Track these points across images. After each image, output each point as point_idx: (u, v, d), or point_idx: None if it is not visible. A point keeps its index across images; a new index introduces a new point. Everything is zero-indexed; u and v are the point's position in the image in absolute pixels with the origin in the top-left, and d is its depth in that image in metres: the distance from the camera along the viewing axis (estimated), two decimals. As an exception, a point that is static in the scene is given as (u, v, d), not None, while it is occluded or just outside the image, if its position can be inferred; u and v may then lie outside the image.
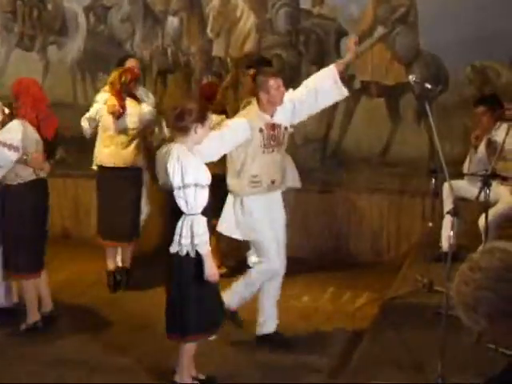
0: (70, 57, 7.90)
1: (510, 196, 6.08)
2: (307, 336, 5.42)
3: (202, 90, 6.72)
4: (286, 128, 5.09)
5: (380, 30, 7.00)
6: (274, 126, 5.00)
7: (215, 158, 4.86)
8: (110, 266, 6.35)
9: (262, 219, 5.05)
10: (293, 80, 7.17)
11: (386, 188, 7.09)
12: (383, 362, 4.69)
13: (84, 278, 6.59)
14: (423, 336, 4.96)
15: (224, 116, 5.98)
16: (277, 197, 5.21)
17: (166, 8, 7.56)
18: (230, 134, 4.89)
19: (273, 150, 5.02)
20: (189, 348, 4.47)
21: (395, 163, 7.07)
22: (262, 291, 5.18)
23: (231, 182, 5.08)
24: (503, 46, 6.54)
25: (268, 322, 5.22)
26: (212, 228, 4.54)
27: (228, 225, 5.13)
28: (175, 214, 4.21)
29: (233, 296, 5.16)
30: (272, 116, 5.01)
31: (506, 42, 6.52)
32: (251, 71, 6.43)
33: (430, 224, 5.94)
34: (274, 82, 4.92)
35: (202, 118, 4.26)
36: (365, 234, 7.28)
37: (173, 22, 7.56)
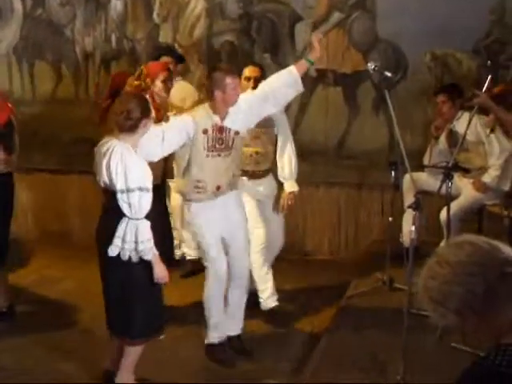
0: (4, 43, 7.74)
1: (472, 189, 6.17)
2: (263, 339, 5.42)
3: (112, 80, 6.56)
4: (236, 132, 4.96)
5: (336, 16, 7.02)
6: (221, 129, 4.88)
7: (156, 158, 4.78)
8: None
9: (204, 223, 4.99)
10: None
11: (343, 181, 7.13)
12: (343, 364, 4.72)
13: (23, 280, 6.48)
14: (384, 336, 5.01)
15: None
16: (230, 199, 5.12)
17: (110, -10, 7.48)
18: (172, 133, 4.80)
19: (219, 155, 4.91)
20: (134, 351, 4.47)
21: (353, 155, 7.10)
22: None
23: (178, 183, 5.08)
24: (465, 34, 6.59)
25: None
26: None
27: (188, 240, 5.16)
28: (114, 212, 4.17)
29: (211, 331, 5.15)
30: (223, 118, 4.90)
31: (468, 30, 6.59)
32: (163, 59, 6.38)
33: (390, 219, 5.99)
34: (231, 81, 4.82)
35: (147, 111, 4.30)
36: (321, 229, 7.31)
37: (116, 5, 7.46)
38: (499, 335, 1.97)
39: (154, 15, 7.40)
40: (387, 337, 4.93)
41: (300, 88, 5.06)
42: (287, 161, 5.72)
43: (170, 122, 4.96)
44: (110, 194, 4.19)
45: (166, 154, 4.90)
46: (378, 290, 5.91)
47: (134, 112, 4.20)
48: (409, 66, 6.86)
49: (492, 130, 5.97)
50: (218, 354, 5.12)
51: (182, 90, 6.47)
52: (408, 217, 5.77)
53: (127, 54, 7.49)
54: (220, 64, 5.23)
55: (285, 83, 5.00)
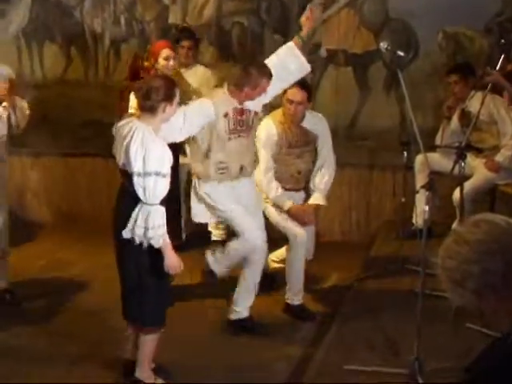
0: (14, 26, 7.67)
1: (485, 168, 6.12)
2: (275, 321, 5.39)
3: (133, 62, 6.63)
4: (256, 113, 5.04)
5: (347, -5, 6.96)
6: (242, 111, 4.93)
7: (175, 139, 4.74)
8: None
9: (226, 199, 5.02)
10: (255, 49, 7.16)
11: (354, 162, 7.06)
12: (356, 345, 4.71)
13: (33, 263, 6.47)
14: (397, 317, 5.00)
15: None
16: (247, 184, 5.13)
17: (119, -29, 7.42)
18: (193, 115, 4.79)
19: (239, 136, 4.94)
20: (150, 340, 4.38)
21: (364, 136, 7.05)
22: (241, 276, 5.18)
23: (196, 167, 5.03)
24: (477, 13, 6.53)
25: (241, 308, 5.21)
26: None
27: (199, 211, 5.12)
28: (132, 196, 4.09)
29: (215, 264, 5.21)
30: (241, 102, 4.92)
31: (480, 9, 6.52)
32: (185, 43, 6.49)
33: (403, 199, 5.96)
34: (265, 84, 4.84)
35: (170, 96, 4.14)
36: (332, 211, 7.24)
37: (125, -13, 7.42)
38: None
39: (164, -4, 7.34)
40: (400, 318, 4.91)
41: (305, 65, 5.14)
42: (319, 176, 5.58)
43: (191, 104, 4.96)
44: (128, 176, 4.09)
45: (185, 136, 4.88)
46: (391, 271, 5.88)
47: (153, 93, 4.08)
48: (420, 45, 6.79)
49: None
50: (248, 325, 5.17)
51: (202, 75, 6.47)
52: (421, 197, 5.70)
53: (136, 35, 7.43)
54: (258, 60, 5.08)
55: (286, 60, 5.07)
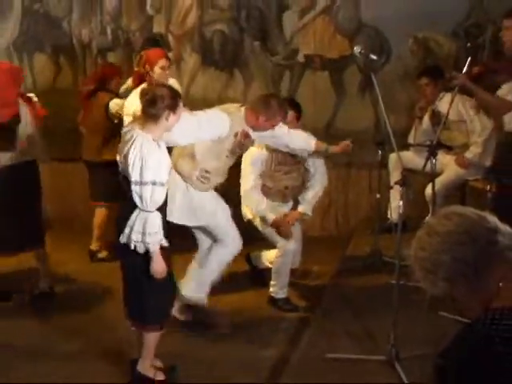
0: (4, 37, 7.74)
1: (455, 165, 6.20)
2: (258, 313, 5.42)
3: (102, 69, 6.63)
4: (253, 142, 4.95)
5: (322, 3, 7.04)
6: (247, 135, 4.80)
7: (184, 143, 4.62)
8: None
9: (212, 200, 4.92)
10: (236, 56, 7.21)
11: (332, 161, 7.11)
12: (337, 335, 4.75)
13: (28, 264, 6.45)
14: (375, 307, 5.04)
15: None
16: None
17: (104, -16, 7.46)
18: (210, 125, 4.61)
19: (232, 156, 4.86)
20: (150, 339, 4.31)
21: (340, 137, 7.08)
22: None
23: (182, 163, 4.79)
24: (445, 18, 6.64)
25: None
26: None
27: (181, 212, 4.84)
28: (131, 201, 4.02)
29: (197, 288, 5.05)
30: (249, 126, 4.82)
31: (448, 14, 6.62)
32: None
33: (378, 195, 6.02)
34: (278, 120, 4.83)
35: (174, 105, 4.05)
36: (314, 207, 7.31)
37: (111, -2, 7.46)
38: (488, 300, 1.97)
39: (148, 7, 7.39)
40: (378, 309, 4.96)
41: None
42: (308, 190, 5.67)
43: (207, 113, 4.71)
44: (127, 182, 4.01)
45: (193, 141, 4.67)
46: (368, 265, 5.94)
47: (158, 101, 3.97)
48: (392, 49, 6.87)
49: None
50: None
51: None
52: (395, 193, 5.79)
53: (122, 45, 7.47)
54: (280, 97, 5.01)
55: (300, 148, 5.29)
